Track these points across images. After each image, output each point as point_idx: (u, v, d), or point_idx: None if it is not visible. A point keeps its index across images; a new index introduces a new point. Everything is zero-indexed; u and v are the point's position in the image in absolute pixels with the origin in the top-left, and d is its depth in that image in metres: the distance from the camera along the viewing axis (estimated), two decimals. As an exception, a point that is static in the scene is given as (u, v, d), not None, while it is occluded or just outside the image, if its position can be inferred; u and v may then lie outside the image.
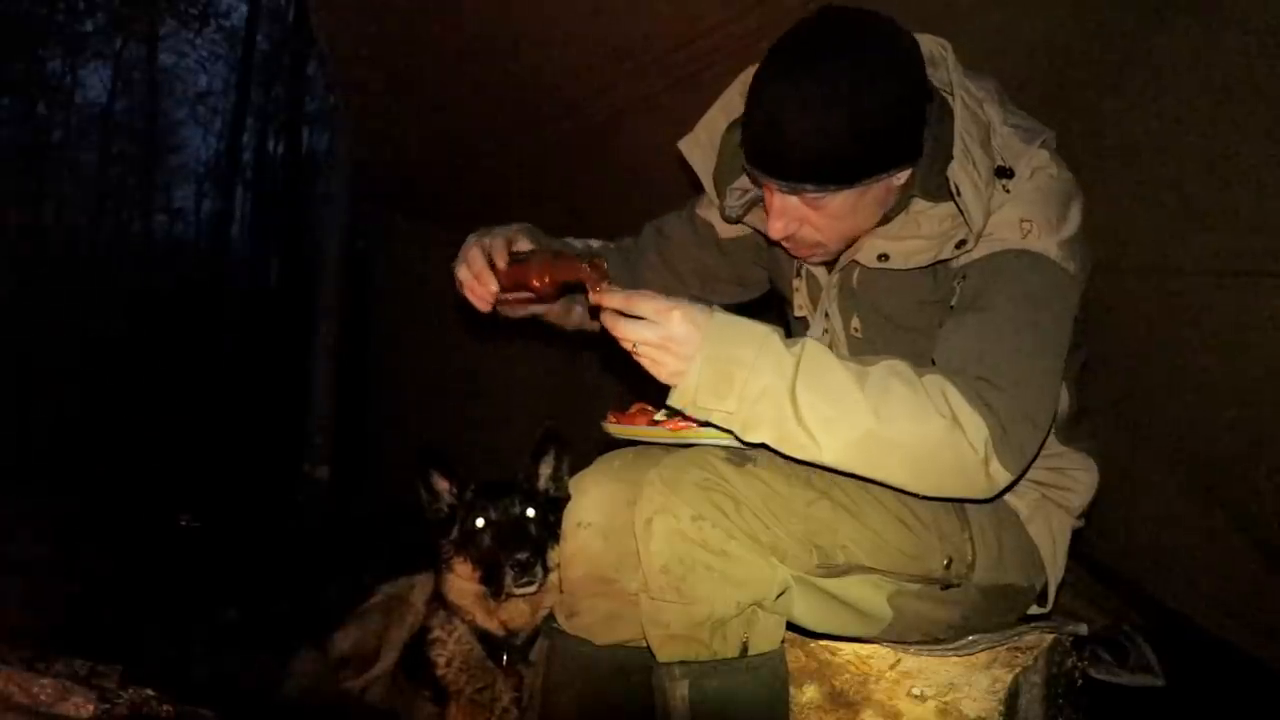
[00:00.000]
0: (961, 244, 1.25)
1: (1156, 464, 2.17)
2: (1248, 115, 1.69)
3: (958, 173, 1.20)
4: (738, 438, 1.16)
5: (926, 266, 1.30)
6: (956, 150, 1.21)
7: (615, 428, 1.36)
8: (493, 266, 1.41)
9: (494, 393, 3.74)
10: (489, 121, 2.97)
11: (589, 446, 1.58)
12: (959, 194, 1.21)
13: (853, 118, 1.15)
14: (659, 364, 1.14)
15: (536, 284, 1.35)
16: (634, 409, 1.42)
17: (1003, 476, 1.15)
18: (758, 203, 1.45)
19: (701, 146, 1.47)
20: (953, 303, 1.26)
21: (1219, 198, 1.77)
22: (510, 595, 1.72)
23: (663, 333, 1.12)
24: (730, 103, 1.42)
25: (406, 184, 3.69)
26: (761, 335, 1.13)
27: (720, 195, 1.48)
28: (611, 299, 1.17)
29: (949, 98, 1.27)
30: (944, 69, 1.28)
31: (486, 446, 2.96)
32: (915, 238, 1.29)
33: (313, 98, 14.42)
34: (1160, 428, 2.14)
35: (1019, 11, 1.89)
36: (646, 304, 1.14)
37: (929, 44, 1.29)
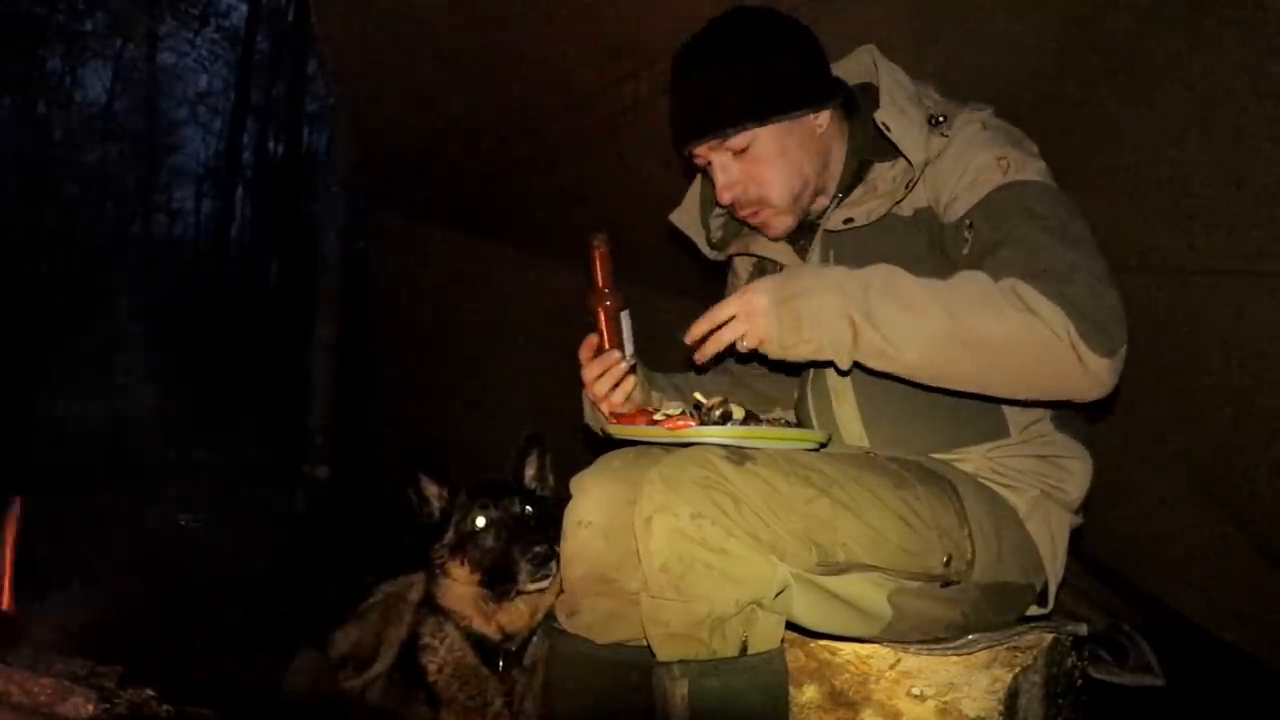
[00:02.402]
0: (910, 184, 1.35)
1: (1156, 464, 2.17)
2: (1248, 115, 1.69)
3: (883, 114, 1.35)
4: (836, 368, 1.24)
5: (886, 217, 1.39)
6: (882, 102, 1.36)
7: (615, 428, 1.37)
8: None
9: (493, 393, 3.74)
10: (488, 122, 2.98)
11: (586, 448, 1.59)
12: (889, 130, 1.34)
13: (747, 60, 1.36)
14: (754, 338, 1.24)
15: (595, 305, 1.40)
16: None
17: (1100, 364, 1.15)
18: (735, 234, 1.61)
19: (687, 210, 1.64)
20: (967, 251, 1.31)
21: (1219, 198, 1.77)
22: (521, 592, 1.71)
23: (743, 311, 1.24)
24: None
25: (405, 184, 3.69)
26: (818, 267, 1.29)
27: (706, 230, 1.63)
28: (698, 328, 1.28)
29: (877, 86, 1.40)
30: (870, 69, 1.44)
31: (486, 447, 2.96)
32: (874, 198, 1.40)
33: (313, 98, 14.40)
34: (1160, 428, 2.13)
35: (1021, 12, 1.89)
36: (724, 309, 1.26)
37: (859, 55, 1.49)
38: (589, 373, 1.43)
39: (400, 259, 3.98)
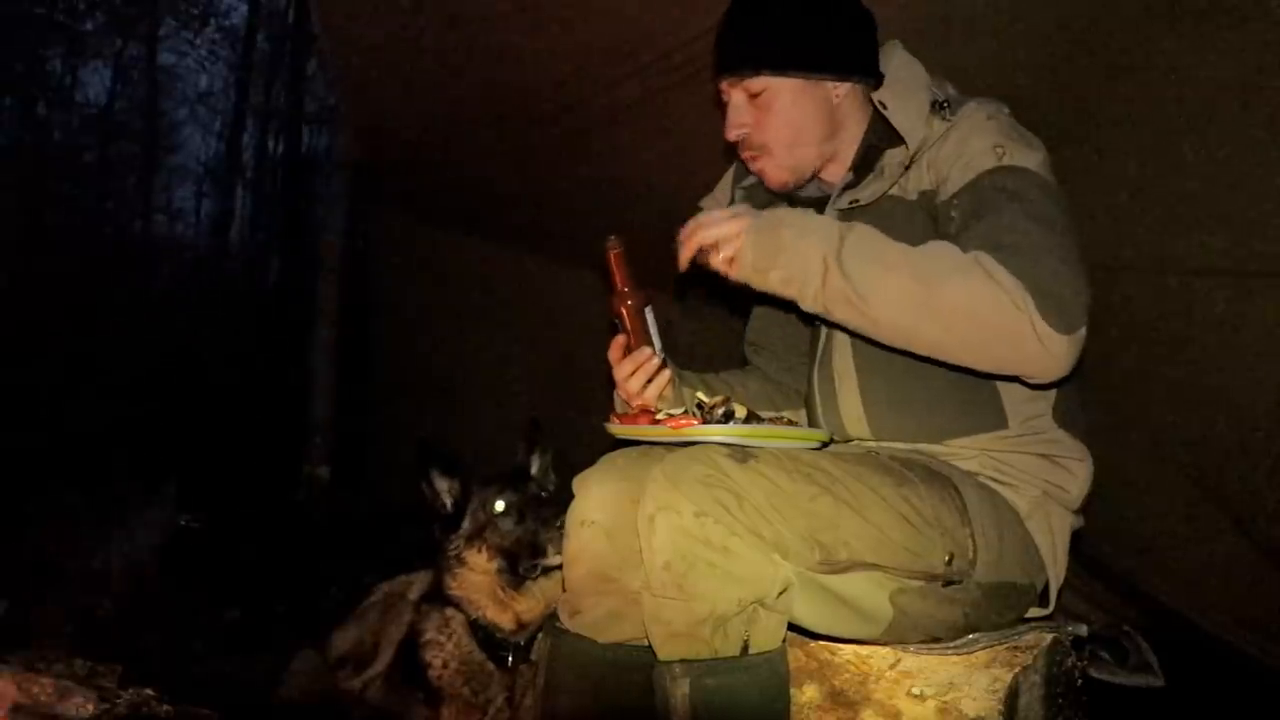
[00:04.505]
0: (906, 164, 1.37)
1: (1156, 464, 2.17)
2: (1248, 116, 1.69)
3: (882, 93, 1.39)
4: (797, 307, 1.27)
5: (892, 200, 1.42)
6: (885, 82, 1.40)
7: (618, 428, 1.37)
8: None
9: (493, 392, 3.74)
10: (489, 121, 2.98)
11: (585, 448, 1.59)
12: (885, 108, 1.37)
13: (784, 11, 1.41)
14: (730, 249, 1.27)
15: (619, 306, 1.43)
16: (636, 409, 1.42)
17: (1057, 341, 1.16)
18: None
19: (717, 199, 1.67)
20: (952, 230, 1.32)
21: (1219, 198, 1.78)
22: (548, 568, 1.73)
23: (732, 220, 1.28)
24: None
25: (406, 184, 3.69)
26: (803, 211, 1.30)
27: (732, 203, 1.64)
28: (683, 251, 1.31)
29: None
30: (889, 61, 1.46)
31: (486, 446, 2.96)
32: (879, 180, 1.42)
33: (313, 98, 14.38)
34: (1160, 428, 2.14)
35: (1023, 13, 1.89)
36: (711, 216, 1.30)
37: (887, 49, 1.48)
38: (620, 371, 1.44)
39: (400, 259, 3.99)
